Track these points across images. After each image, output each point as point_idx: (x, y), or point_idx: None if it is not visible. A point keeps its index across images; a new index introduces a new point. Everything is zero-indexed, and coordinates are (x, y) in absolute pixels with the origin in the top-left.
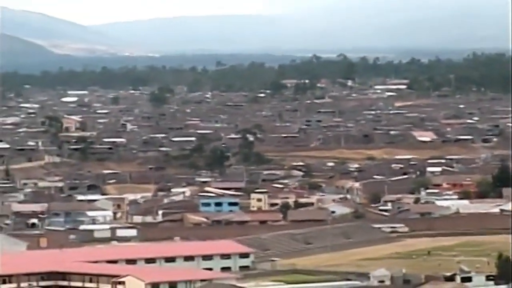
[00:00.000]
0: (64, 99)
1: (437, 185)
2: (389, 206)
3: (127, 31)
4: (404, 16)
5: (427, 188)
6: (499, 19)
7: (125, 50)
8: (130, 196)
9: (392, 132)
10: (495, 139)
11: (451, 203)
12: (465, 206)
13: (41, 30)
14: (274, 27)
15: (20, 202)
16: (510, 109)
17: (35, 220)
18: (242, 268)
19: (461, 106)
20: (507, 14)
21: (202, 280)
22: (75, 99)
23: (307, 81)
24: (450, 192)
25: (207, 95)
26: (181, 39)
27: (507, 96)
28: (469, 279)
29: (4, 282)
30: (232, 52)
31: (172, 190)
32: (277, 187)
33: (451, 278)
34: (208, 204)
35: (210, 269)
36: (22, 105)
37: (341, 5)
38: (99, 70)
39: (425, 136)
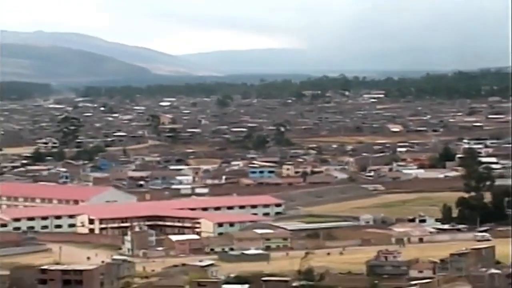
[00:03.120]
0: (161, 104)
1: (403, 160)
2: (372, 173)
3: (202, 59)
4: (382, 47)
5: (397, 162)
6: (446, 50)
7: (200, 71)
8: (204, 167)
9: (374, 125)
10: (441, 130)
11: (412, 172)
12: (422, 173)
13: (146, 58)
14: (298, 56)
15: (132, 170)
16: (452, 110)
17: (142, 182)
18: (277, 214)
19: (419, 108)
20: (451, 46)
21: (250, 221)
22: (168, 103)
23: (319, 92)
24: (412, 164)
25: (254, 101)
26: (237, 64)
27: (449, 101)
28: (424, 221)
29: (122, 222)
30: (270, 72)
31: (231, 163)
32: (299, 161)
33: (412, 220)
34: (254, 172)
35: (256, 214)
36: (134, 107)
37: (341, 42)
38: (183, 85)
39: (396, 128)
